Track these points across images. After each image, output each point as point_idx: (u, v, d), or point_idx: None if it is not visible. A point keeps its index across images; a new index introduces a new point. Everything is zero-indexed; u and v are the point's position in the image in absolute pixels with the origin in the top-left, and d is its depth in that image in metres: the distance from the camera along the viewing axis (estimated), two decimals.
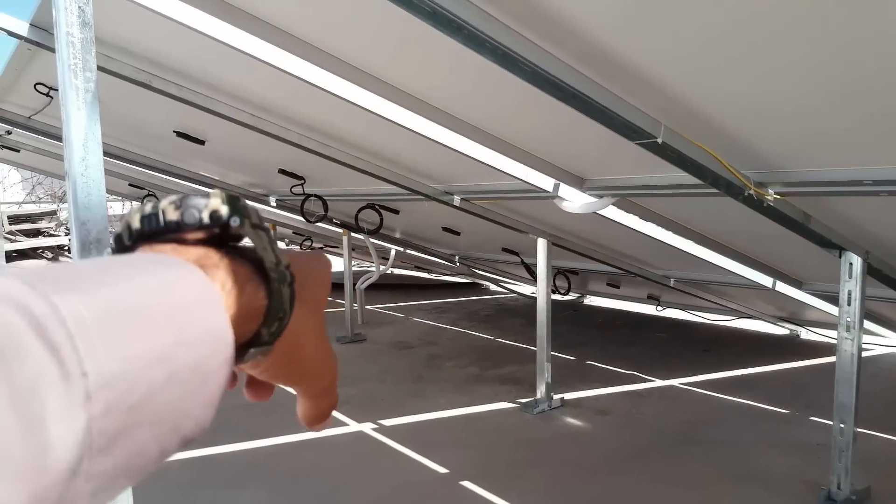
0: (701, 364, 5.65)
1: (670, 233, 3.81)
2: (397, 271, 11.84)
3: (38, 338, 0.24)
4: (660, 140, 2.14)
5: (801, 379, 5.26)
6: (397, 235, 7.51)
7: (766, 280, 4.73)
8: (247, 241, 0.38)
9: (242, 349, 0.37)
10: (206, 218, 0.36)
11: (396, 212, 5.78)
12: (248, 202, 0.38)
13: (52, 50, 2.85)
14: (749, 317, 6.57)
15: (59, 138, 4.07)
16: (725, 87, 2.02)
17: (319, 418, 0.47)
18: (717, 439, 3.96)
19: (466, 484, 3.39)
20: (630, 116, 2.06)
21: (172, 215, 0.36)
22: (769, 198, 2.64)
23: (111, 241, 0.37)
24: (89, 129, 1.10)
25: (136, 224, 0.36)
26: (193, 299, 0.32)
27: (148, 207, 0.37)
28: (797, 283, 4.59)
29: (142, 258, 0.35)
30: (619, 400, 4.72)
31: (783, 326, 6.67)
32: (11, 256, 11.90)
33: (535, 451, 3.83)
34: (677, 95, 2.11)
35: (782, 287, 4.79)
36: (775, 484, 3.35)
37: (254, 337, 0.38)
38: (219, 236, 0.37)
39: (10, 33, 2.74)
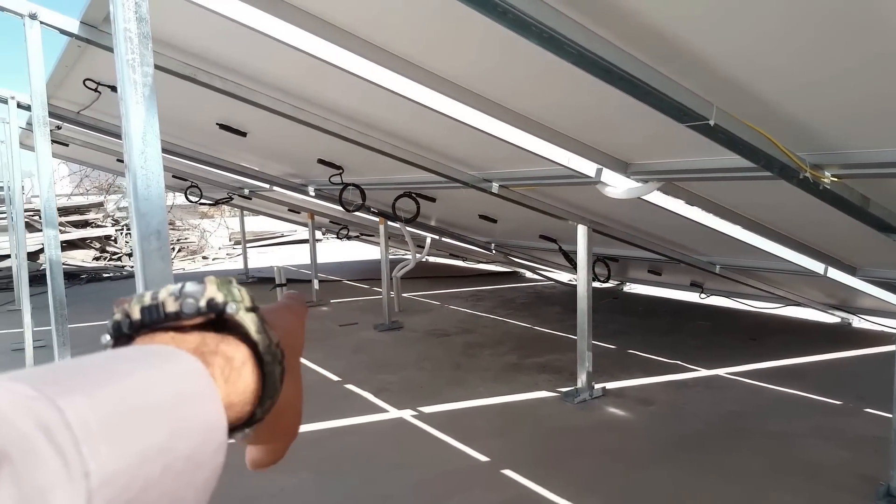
0: (747, 353, 5.53)
1: (717, 217, 3.72)
2: (432, 259, 11.88)
3: (46, 442, 0.26)
4: (712, 122, 2.08)
5: (853, 369, 5.11)
6: (433, 223, 7.51)
7: (817, 266, 4.59)
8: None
9: (236, 429, 0.39)
10: (203, 306, 0.38)
11: (433, 200, 5.77)
12: (239, 287, 0.40)
13: (102, 46, 2.91)
14: (798, 304, 6.39)
15: (107, 132, 4.18)
16: (781, 64, 1.94)
17: (272, 461, 0.47)
18: (766, 431, 3.87)
19: (508, 472, 3.39)
20: (681, 98, 2.00)
21: (172, 307, 0.38)
22: (825, 180, 2.54)
23: (109, 327, 0.38)
24: (147, 122, 1.11)
25: (136, 315, 0.38)
26: (191, 392, 0.34)
27: (147, 298, 0.38)
28: (851, 270, 4.44)
29: (142, 352, 0.36)
30: (662, 390, 4.65)
31: (834, 314, 6.47)
32: (62, 247, 12.25)
33: (577, 440, 3.80)
34: (730, 74, 2.04)
35: (834, 273, 4.64)
36: (828, 477, 3.26)
37: (248, 418, 0.39)
38: (214, 320, 0.39)
39: (62, 31, 2.80)
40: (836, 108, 2.19)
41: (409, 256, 7.48)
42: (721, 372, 5.03)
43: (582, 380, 4.45)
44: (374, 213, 6.60)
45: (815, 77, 1.99)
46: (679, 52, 1.92)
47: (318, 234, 12.07)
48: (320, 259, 9.28)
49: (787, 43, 1.80)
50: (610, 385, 4.69)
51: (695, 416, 4.14)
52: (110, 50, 2.90)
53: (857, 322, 6.49)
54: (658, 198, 3.46)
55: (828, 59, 1.85)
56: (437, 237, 7.95)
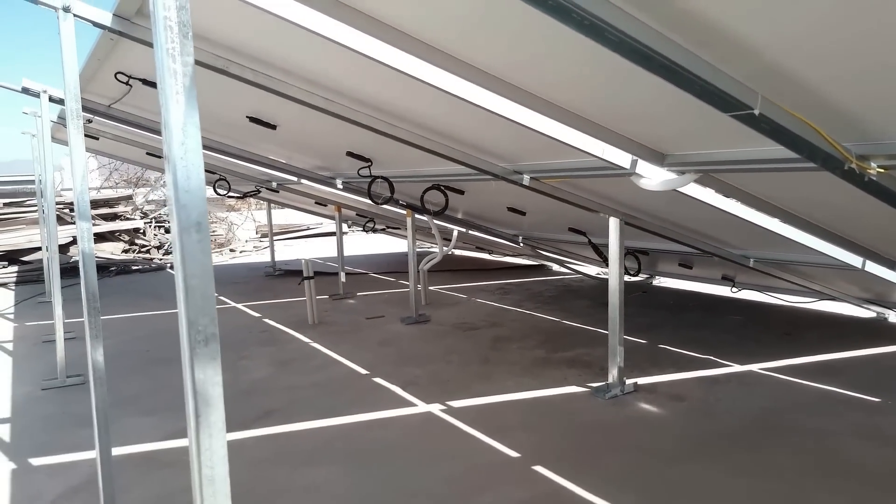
0: (781, 348, 5.41)
1: (754, 210, 3.63)
2: (458, 252, 11.84)
3: None
4: (756, 111, 2.01)
5: (891, 364, 4.97)
6: (460, 216, 7.48)
7: (854, 260, 4.47)
8: None
9: None
10: None
11: (462, 192, 5.74)
12: None
13: (135, 39, 2.91)
14: (832, 298, 6.25)
15: (137, 125, 4.20)
16: (831, 50, 1.86)
17: None
18: (802, 428, 3.77)
19: (539, 468, 3.35)
20: (725, 86, 1.94)
21: None
22: (871, 171, 2.46)
23: None
24: (188, 113, 1.09)
25: None
26: None
27: None
28: (890, 264, 4.31)
29: None
30: (694, 385, 4.56)
31: (869, 309, 6.31)
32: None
33: (609, 436, 3.75)
34: (775, 61, 1.96)
35: (873, 267, 4.52)
36: (871, 477, 3.16)
37: None
38: None
39: (96, 24, 2.81)
40: (886, 97, 2.10)
41: (436, 249, 7.45)
42: (754, 367, 4.93)
43: (613, 375, 4.38)
44: (401, 206, 6.58)
45: (866, 64, 1.90)
46: (722, 38, 1.86)
47: (345, 227, 12.11)
48: (346, 252, 9.30)
49: (841, 28, 1.73)
50: (641, 380, 4.62)
51: (728, 412, 4.06)
52: (143, 42, 2.91)
53: (894, 317, 6.32)
54: (694, 189, 3.39)
55: (881, 45, 1.76)
56: (464, 230, 7.91)
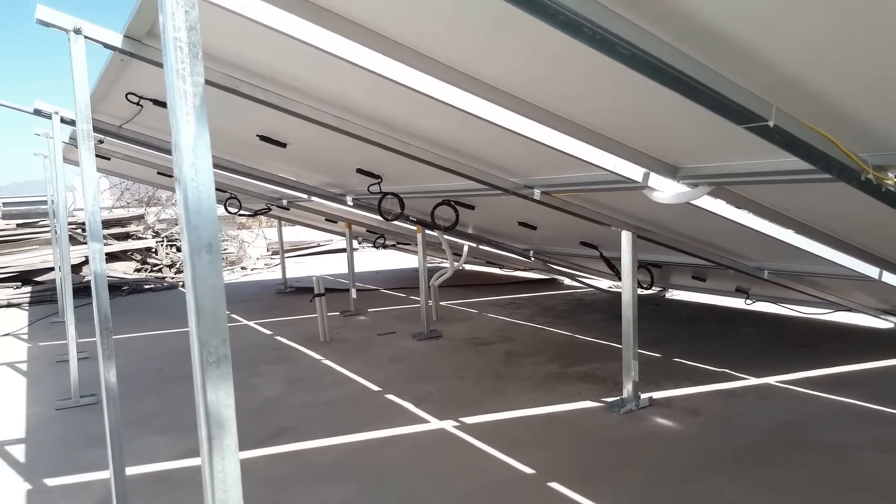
0: (797, 361, 5.34)
1: (768, 222, 3.59)
2: (468, 267, 11.81)
3: None
4: (771, 123, 1.99)
5: None
6: (470, 231, 7.46)
7: (871, 270, 4.40)
8: None
9: None
10: None
11: (472, 207, 5.73)
12: None
13: (146, 60, 2.93)
14: (848, 309, 6.16)
15: (148, 145, 4.23)
16: (846, 60, 1.84)
17: None
18: (822, 442, 3.70)
19: (554, 485, 3.30)
20: (739, 98, 1.92)
21: None
22: (889, 182, 2.42)
23: None
24: (198, 133, 1.08)
25: None
26: None
27: None
28: None
29: None
30: (710, 399, 4.50)
31: (887, 319, 6.22)
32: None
33: (624, 452, 3.69)
34: (790, 72, 1.94)
35: (890, 277, 4.45)
36: (894, 492, 3.09)
37: None
38: None
39: (106, 45, 2.83)
40: None
41: (446, 264, 7.44)
42: (771, 380, 4.86)
43: (628, 389, 4.33)
44: (412, 222, 6.58)
45: (882, 73, 1.88)
46: (736, 50, 1.84)
47: (355, 243, 12.12)
48: (357, 268, 9.29)
49: (855, 38, 1.71)
50: (657, 395, 4.56)
51: (746, 426, 3.99)
52: (153, 63, 2.93)
53: None
54: (707, 202, 3.35)
55: None
56: (474, 245, 7.89)
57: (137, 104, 3.93)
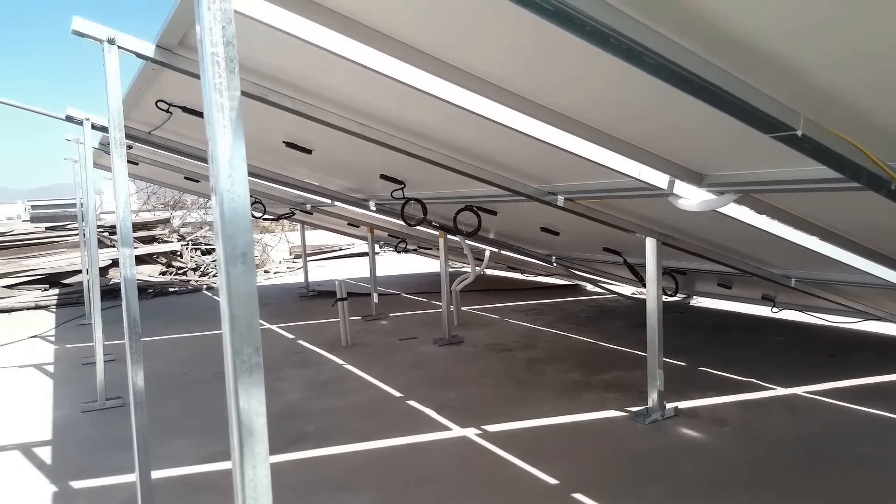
0: (826, 371, 5.25)
1: (795, 230, 3.54)
2: (489, 272, 11.79)
3: None
4: (799, 132, 1.96)
5: None
6: (492, 236, 7.46)
7: None
8: None
9: None
10: None
11: (494, 213, 5.72)
12: None
13: (177, 69, 2.98)
14: (878, 319, 6.05)
15: (176, 151, 4.29)
16: (874, 68, 1.81)
17: None
18: (853, 455, 3.64)
19: (579, 496, 3.28)
20: (767, 108, 1.90)
21: None
22: None
23: None
24: (234, 146, 1.10)
25: None
26: None
27: None
28: None
29: None
30: (737, 410, 4.44)
31: None
32: None
33: (650, 463, 3.66)
34: (818, 81, 1.92)
35: None
36: None
37: None
38: None
39: (139, 55, 2.89)
40: None
41: (467, 268, 7.44)
42: (799, 391, 4.78)
43: (653, 399, 4.29)
44: (434, 227, 6.59)
45: None
46: (764, 60, 1.82)
47: (376, 248, 12.19)
48: (378, 272, 9.33)
49: (886, 48, 1.68)
50: (682, 404, 4.51)
51: (774, 438, 3.93)
52: (185, 72, 2.98)
53: None
54: (733, 209, 3.32)
55: None
56: (496, 250, 7.89)
57: (167, 111, 3.99)
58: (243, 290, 1.15)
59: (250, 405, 1.21)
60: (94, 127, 4.97)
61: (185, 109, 3.93)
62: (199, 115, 3.96)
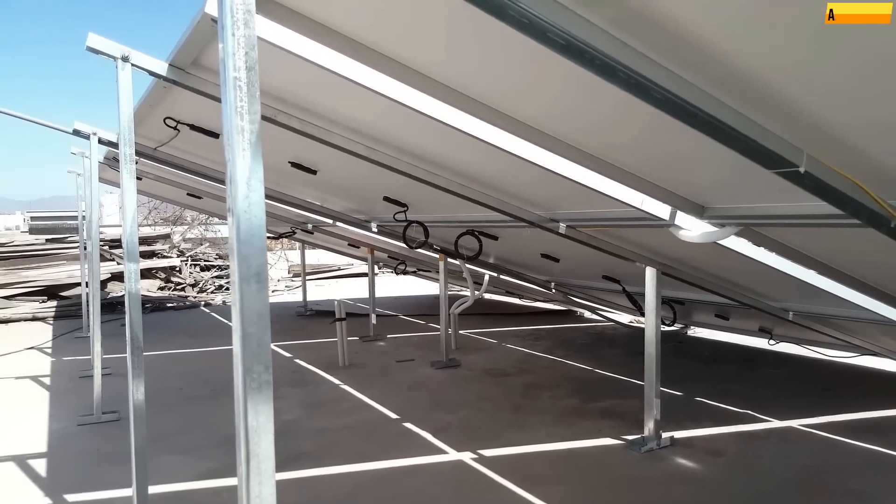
0: (822, 404, 5.25)
1: (794, 263, 3.58)
2: (487, 296, 11.79)
3: None
4: (802, 169, 2.01)
5: None
6: (492, 261, 7.49)
7: None
8: None
9: None
10: None
11: (495, 238, 5.76)
12: None
13: (189, 88, 3.03)
14: (874, 354, 6.06)
15: (180, 167, 4.33)
16: (876, 109, 1.87)
17: None
18: (848, 489, 3.63)
19: None
20: (771, 144, 1.94)
21: None
22: None
23: None
24: (253, 168, 1.13)
25: None
26: None
27: None
28: None
29: None
30: (733, 441, 4.44)
31: None
32: None
33: (645, 492, 3.65)
34: (821, 121, 1.97)
35: None
36: None
37: None
38: None
39: (152, 73, 2.94)
40: None
41: (465, 292, 7.45)
42: (794, 423, 4.78)
43: (649, 428, 4.29)
44: (435, 250, 6.62)
45: None
46: (768, 97, 1.87)
47: (375, 269, 12.20)
48: (376, 293, 9.34)
49: (888, 89, 1.73)
50: (678, 434, 4.50)
51: (769, 470, 3.93)
52: (197, 92, 3.02)
53: None
54: (733, 242, 3.35)
55: None
56: (495, 274, 7.91)
57: (174, 128, 4.04)
58: (256, 308, 1.18)
59: (258, 422, 1.23)
60: (101, 141, 5.01)
61: (192, 127, 3.98)
62: (208, 133, 4.01)
